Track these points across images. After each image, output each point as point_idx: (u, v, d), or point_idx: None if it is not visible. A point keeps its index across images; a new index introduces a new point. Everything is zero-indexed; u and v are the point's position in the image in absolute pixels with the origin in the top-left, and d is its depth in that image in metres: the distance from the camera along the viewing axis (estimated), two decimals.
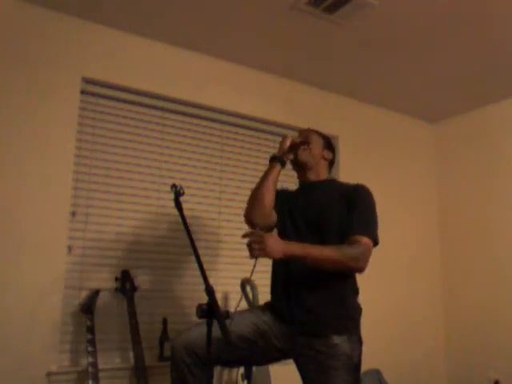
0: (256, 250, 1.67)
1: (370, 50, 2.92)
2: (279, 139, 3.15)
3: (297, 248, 1.76)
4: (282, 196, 2.07)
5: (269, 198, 1.96)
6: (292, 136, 2.08)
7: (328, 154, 2.14)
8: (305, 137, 2.10)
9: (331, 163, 2.18)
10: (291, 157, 2.05)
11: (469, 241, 3.66)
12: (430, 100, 3.63)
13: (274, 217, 2.02)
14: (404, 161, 3.84)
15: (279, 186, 2.06)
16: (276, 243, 1.70)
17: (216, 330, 1.50)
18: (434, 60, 3.02)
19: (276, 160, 2.01)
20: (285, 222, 2.04)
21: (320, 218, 1.97)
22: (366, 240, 1.85)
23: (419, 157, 3.95)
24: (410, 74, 3.21)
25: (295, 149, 2.04)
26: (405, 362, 3.43)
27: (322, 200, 2.01)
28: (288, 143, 2.02)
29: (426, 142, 4.02)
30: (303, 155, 2.06)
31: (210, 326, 1.54)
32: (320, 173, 2.11)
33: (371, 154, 3.64)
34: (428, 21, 2.60)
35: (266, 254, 1.68)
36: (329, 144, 2.18)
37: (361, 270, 1.84)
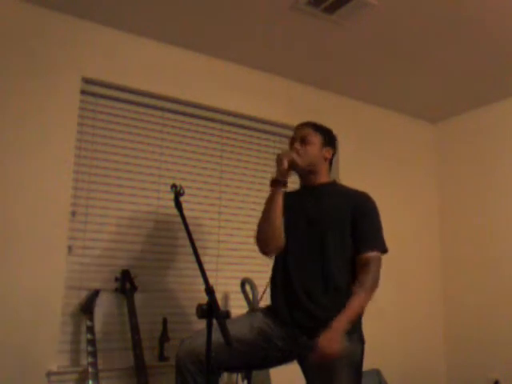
0: (329, 354, 1.73)
1: (370, 50, 2.92)
2: (279, 139, 3.24)
3: (344, 324, 1.79)
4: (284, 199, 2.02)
5: (279, 223, 1.96)
6: (287, 155, 1.99)
7: (328, 152, 2.09)
8: (302, 137, 2.06)
9: (332, 159, 2.13)
10: (291, 174, 2.02)
11: (469, 241, 3.65)
12: (431, 100, 3.63)
13: (283, 236, 2.00)
14: (405, 161, 3.83)
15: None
16: (336, 338, 1.75)
17: (218, 336, 1.49)
18: (434, 60, 3.01)
19: (278, 183, 1.96)
20: (287, 225, 2.01)
21: (323, 224, 1.97)
22: (375, 254, 1.93)
23: (420, 157, 3.94)
24: (410, 74, 3.21)
25: (294, 166, 1.99)
26: (405, 361, 3.43)
27: (327, 207, 2.00)
28: (286, 164, 1.95)
29: (427, 141, 4.01)
30: (302, 165, 2.01)
31: (210, 325, 1.54)
32: (321, 175, 2.07)
33: (372, 154, 3.63)
34: (428, 21, 2.60)
35: (336, 353, 1.74)
36: (329, 139, 2.11)
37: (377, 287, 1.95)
